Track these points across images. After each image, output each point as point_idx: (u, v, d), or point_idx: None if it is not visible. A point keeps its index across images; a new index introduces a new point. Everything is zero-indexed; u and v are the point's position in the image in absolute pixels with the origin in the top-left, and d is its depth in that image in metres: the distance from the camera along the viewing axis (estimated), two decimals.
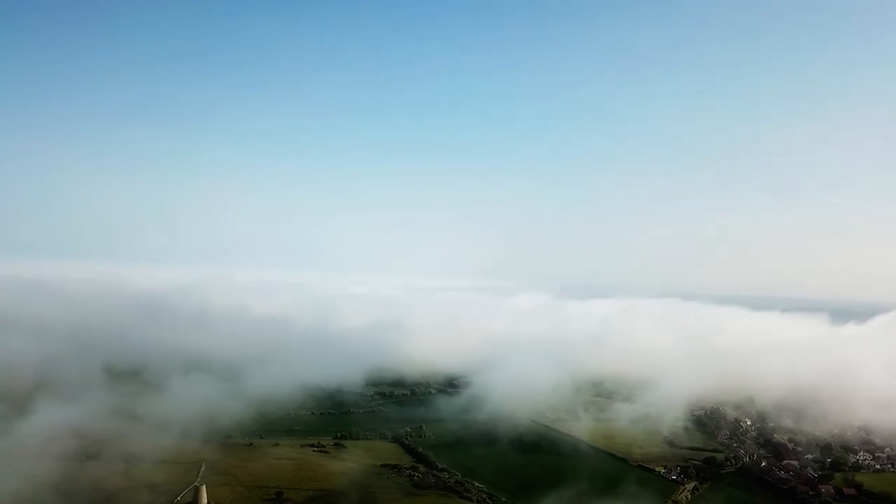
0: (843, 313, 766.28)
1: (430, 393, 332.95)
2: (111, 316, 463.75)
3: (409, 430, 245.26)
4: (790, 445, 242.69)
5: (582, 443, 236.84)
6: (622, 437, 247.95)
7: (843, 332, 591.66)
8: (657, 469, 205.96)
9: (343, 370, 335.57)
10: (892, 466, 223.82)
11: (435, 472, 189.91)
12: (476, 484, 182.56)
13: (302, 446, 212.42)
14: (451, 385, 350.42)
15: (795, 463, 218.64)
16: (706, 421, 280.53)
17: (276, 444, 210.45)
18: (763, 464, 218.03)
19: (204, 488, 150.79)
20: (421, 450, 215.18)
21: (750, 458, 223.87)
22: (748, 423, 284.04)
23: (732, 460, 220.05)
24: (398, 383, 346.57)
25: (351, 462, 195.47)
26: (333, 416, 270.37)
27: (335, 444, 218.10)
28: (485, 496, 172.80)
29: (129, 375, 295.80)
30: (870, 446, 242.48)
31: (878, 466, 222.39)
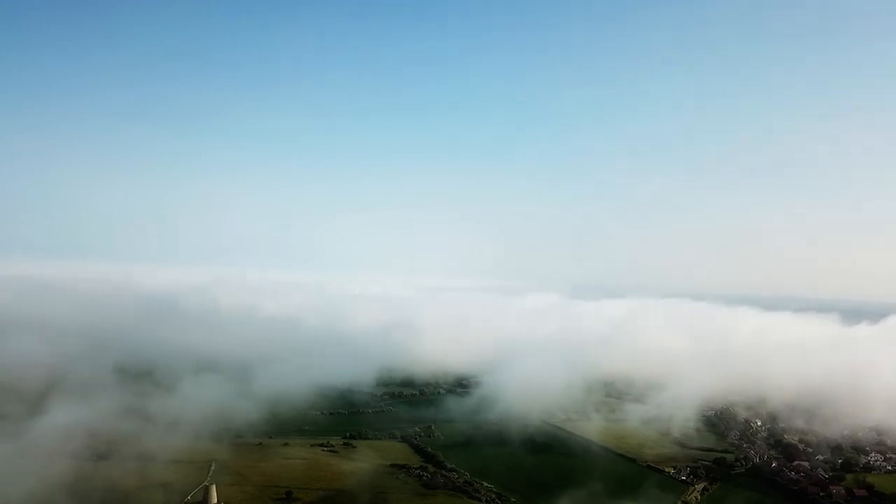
0: (854, 313, 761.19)
1: (439, 393, 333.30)
2: (122, 316, 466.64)
3: (418, 430, 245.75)
4: (801, 446, 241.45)
5: (592, 443, 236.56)
6: (632, 438, 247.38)
7: (856, 332, 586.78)
8: (667, 470, 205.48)
9: (353, 370, 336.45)
10: None
11: (444, 472, 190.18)
12: (485, 484, 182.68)
13: (311, 446, 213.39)
14: (460, 385, 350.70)
15: (806, 464, 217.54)
16: (716, 422, 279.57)
17: (286, 444, 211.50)
18: (773, 465, 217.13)
19: (214, 487, 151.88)
20: (430, 450, 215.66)
21: (760, 459, 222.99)
22: (758, 423, 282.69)
23: (742, 461, 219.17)
24: (408, 383, 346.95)
25: (360, 462, 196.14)
26: (343, 416, 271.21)
27: (344, 444, 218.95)
28: (494, 496, 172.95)
29: (140, 375, 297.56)
30: (882, 447, 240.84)
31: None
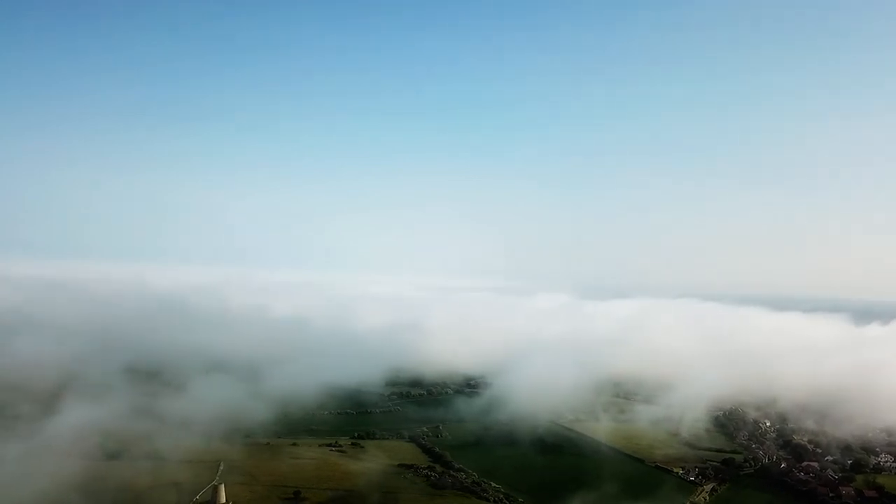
0: (865, 314, 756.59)
1: (447, 393, 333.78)
2: (132, 316, 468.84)
3: (426, 430, 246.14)
4: (810, 447, 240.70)
5: (601, 444, 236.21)
6: (641, 439, 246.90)
7: (866, 332, 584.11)
8: (675, 470, 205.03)
9: (362, 370, 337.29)
10: None
11: (452, 472, 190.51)
12: (493, 484, 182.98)
13: (320, 446, 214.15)
14: (468, 385, 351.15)
15: (816, 464, 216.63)
16: (725, 422, 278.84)
17: (294, 444, 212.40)
18: (783, 465, 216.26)
19: (222, 487, 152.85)
20: (438, 450, 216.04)
21: (769, 460, 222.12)
22: (767, 424, 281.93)
23: (751, 462, 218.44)
24: (416, 383, 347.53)
25: (368, 462, 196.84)
26: (351, 416, 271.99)
27: (352, 444, 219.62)
28: (502, 496, 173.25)
29: (150, 375, 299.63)
30: (892, 448, 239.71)
31: None
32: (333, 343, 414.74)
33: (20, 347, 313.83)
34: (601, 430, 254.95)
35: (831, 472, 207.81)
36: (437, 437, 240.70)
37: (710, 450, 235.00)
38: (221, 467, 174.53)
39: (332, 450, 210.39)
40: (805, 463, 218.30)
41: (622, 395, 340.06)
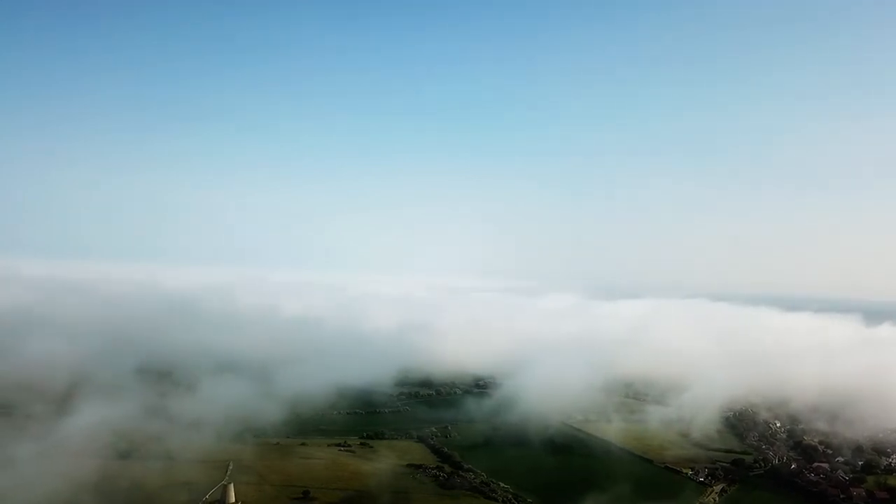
0: (877, 314, 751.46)
1: (455, 394, 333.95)
2: (144, 317, 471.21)
3: (434, 430, 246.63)
4: (821, 448, 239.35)
5: (611, 445, 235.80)
6: (652, 440, 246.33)
7: (878, 333, 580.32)
8: (684, 471, 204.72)
9: (372, 370, 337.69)
10: None
11: (460, 472, 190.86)
12: (502, 485, 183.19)
13: (329, 446, 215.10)
14: (477, 386, 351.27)
15: (826, 465, 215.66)
16: (735, 423, 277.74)
17: (304, 444, 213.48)
18: (793, 466, 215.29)
19: (231, 486, 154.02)
20: (447, 450, 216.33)
21: (779, 461, 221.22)
22: (777, 425, 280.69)
23: (761, 462, 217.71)
24: (425, 384, 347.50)
25: (376, 462, 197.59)
26: (361, 416, 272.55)
27: (361, 444, 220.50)
28: (510, 497, 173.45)
29: (162, 375, 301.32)
30: None
31: None
32: (343, 343, 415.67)
33: (32, 348, 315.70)
34: (611, 430, 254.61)
35: (842, 473, 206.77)
36: (446, 437, 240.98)
37: (720, 450, 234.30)
38: (230, 467, 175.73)
39: (341, 450, 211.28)
40: (815, 464, 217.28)
41: (632, 395, 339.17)
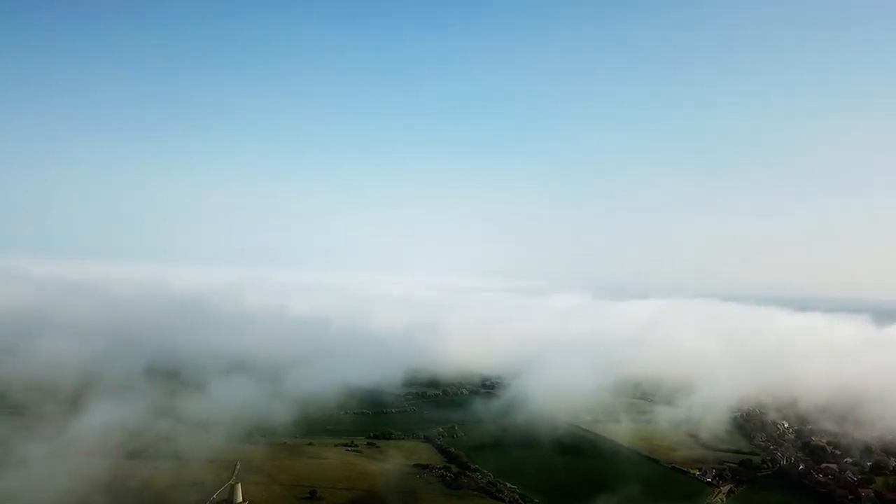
0: (887, 314, 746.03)
1: (462, 394, 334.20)
2: (152, 317, 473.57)
3: (441, 430, 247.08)
4: (829, 448, 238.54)
5: (620, 446, 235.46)
6: (660, 440, 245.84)
7: (888, 333, 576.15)
8: (692, 472, 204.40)
9: (380, 370, 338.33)
10: None
11: (467, 472, 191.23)
12: (509, 485, 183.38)
13: (336, 446, 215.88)
14: (484, 386, 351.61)
15: (834, 466, 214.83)
16: (743, 423, 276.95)
17: (311, 444, 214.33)
18: (801, 467, 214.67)
19: (239, 486, 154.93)
20: (453, 450, 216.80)
21: (787, 461, 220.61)
22: (785, 425, 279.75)
23: (769, 463, 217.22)
24: (433, 384, 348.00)
25: (383, 462, 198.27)
26: (368, 416, 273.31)
27: (368, 444, 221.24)
28: (517, 497, 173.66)
29: (171, 375, 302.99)
30: None
31: None
32: (351, 343, 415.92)
33: (42, 348, 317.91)
34: (620, 431, 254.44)
35: (850, 474, 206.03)
36: (453, 437, 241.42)
37: (728, 451, 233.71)
38: (238, 467, 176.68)
39: (348, 450, 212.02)
40: (824, 465, 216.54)
41: (641, 396, 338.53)
